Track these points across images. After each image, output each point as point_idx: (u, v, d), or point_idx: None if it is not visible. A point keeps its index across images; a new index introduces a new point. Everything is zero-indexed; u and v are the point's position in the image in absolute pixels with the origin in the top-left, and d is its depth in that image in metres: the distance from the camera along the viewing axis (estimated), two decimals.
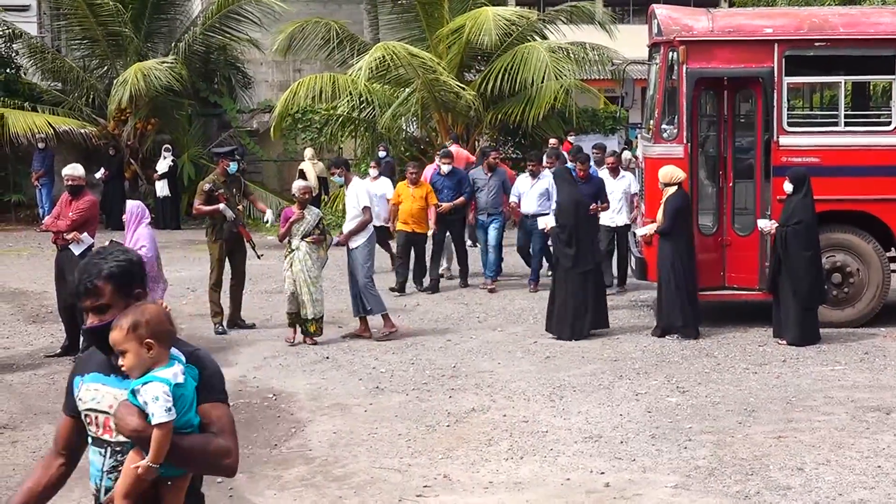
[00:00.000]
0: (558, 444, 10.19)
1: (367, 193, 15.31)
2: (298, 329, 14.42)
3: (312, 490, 9.14)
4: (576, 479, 9.32)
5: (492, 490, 9.08)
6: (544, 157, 18.81)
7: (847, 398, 11.66)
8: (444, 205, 18.27)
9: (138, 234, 13.62)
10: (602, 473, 9.40)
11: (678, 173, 14.39)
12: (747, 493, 8.91)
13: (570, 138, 27.25)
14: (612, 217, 17.49)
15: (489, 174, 18.77)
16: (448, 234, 18.74)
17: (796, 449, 9.96)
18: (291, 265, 14.16)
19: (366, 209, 14.86)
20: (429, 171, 19.14)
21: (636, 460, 9.75)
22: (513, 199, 18.39)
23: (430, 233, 18.04)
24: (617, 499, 8.83)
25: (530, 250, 18.41)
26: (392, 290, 17.69)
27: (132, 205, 13.96)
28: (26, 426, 11.11)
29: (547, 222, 15.35)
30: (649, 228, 14.49)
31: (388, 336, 14.59)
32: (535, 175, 18.30)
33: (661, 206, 14.25)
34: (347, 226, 15.00)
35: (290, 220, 14.20)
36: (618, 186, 17.72)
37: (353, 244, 14.78)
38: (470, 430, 10.66)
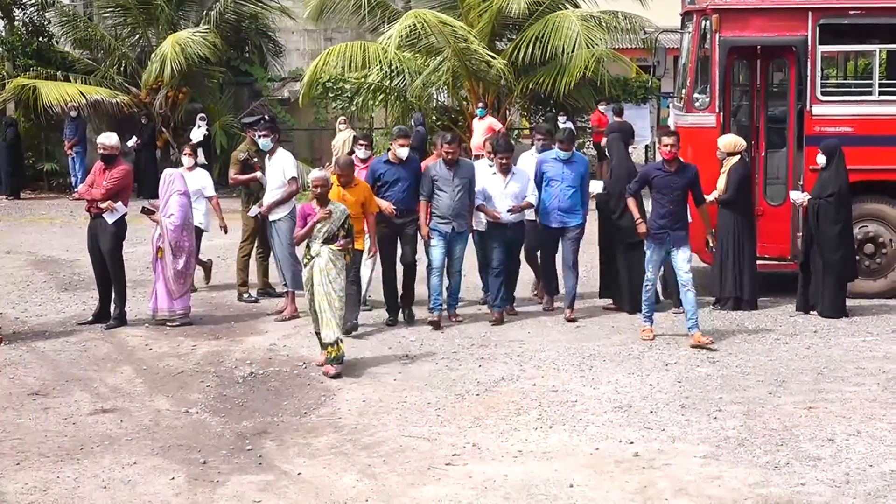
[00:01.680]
0: (587, 414, 10.18)
1: (293, 164, 14.62)
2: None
3: (342, 458, 9.16)
4: (605, 448, 9.30)
5: (521, 459, 9.08)
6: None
7: (878, 369, 11.60)
8: (421, 214, 13.81)
9: (170, 203, 13.67)
10: (631, 443, 9.38)
11: (741, 142, 14.30)
12: (777, 464, 8.88)
13: (601, 108, 27.13)
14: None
15: (451, 169, 13.73)
16: (400, 250, 14.13)
17: (827, 420, 9.91)
18: (312, 275, 11.84)
19: (293, 180, 14.41)
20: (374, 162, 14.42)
21: (665, 430, 9.73)
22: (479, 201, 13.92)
23: (365, 256, 13.55)
24: (646, 468, 8.81)
25: (538, 259, 14.79)
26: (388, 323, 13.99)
27: (167, 172, 14.02)
28: (58, 393, 11.17)
29: (595, 188, 14.70)
30: (712, 196, 14.17)
31: (286, 318, 14.12)
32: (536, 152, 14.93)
33: (724, 176, 14.10)
34: (270, 196, 14.40)
35: (314, 219, 11.88)
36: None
37: (274, 216, 14.35)
38: (499, 399, 10.66)
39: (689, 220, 13.16)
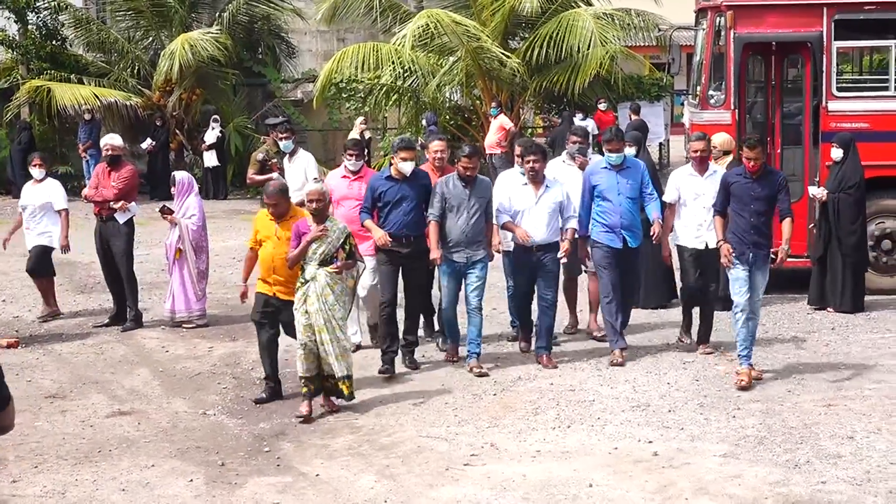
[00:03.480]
0: (605, 413, 10.14)
1: (315, 166, 14.19)
2: (316, 397, 10.53)
3: (359, 459, 9.14)
4: (623, 447, 9.27)
5: (539, 459, 9.05)
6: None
7: None
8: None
9: (188, 204, 13.72)
10: (650, 442, 9.34)
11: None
12: (797, 462, 8.84)
13: (601, 106, 27.05)
14: None
15: (466, 186, 11.56)
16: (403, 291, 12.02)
17: (846, 417, 9.87)
18: (305, 301, 10.26)
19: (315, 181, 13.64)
20: (334, 177, 12.58)
21: (684, 429, 9.69)
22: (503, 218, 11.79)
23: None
24: (665, 468, 8.78)
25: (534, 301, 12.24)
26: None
27: (181, 175, 14.05)
28: (75, 395, 11.19)
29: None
30: None
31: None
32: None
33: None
34: (294, 197, 13.08)
35: (308, 238, 10.30)
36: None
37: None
38: (516, 399, 10.63)
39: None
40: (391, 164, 11.91)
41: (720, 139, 13.86)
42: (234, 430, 9.83)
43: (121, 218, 13.66)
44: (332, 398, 10.49)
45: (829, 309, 13.71)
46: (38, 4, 29.03)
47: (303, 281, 10.30)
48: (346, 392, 10.32)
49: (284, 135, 14.66)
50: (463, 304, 11.83)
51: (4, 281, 17.17)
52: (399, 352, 11.78)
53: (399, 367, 11.67)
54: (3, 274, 17.65)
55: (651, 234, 11.94)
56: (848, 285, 13.73)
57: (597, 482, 8.53)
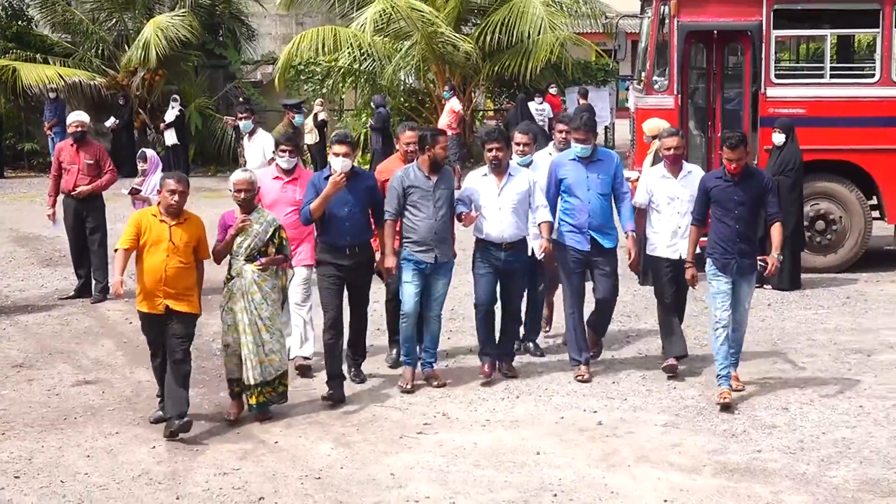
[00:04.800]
0: (552, 384, 10.19)
1: (273, 145, 12.73)
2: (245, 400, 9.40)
3: (317, 427, 9.15)
4: (569, 417, 9.33)
5: (489, 428, 9.09)
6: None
7: (830, 340, 11.68)
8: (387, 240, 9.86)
9: (155, 181, 13.63)
10: (594, 412, 9.41)
11: (665, 125, 14.25)
12: (734, 432, 8.93)
13: (551, 90, 27.07)
14: None
15: (430, 177, 9.86)
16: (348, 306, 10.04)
17: (781, 389, 9.98)
18: (230, 299, 9.23)
19: (272, 160, 12.09)
20: (265, 177, 10.55)
21: (627, 400, 9.77)
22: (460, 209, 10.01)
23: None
24: (609, 436, 8.84)
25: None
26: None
27: (152, 153, 13.97)
28: (41, 365, 11.12)
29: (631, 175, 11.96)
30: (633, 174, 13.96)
31: None
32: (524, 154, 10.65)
33: (650, 157, 13.99)
34: None
35: (232, 230, 9.21)
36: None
37: None
38: (467, 371, 10.65)
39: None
40: (328, 163, 9.87)
41: (649, 125, 13.80)
42: (195, 400, 9.75)
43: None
44: (259, 414, 9.30)
45: (766, 286, 13.82)
46: None
47: (228, 277, 9.32)
48: (256, 400, 9.17)
49: (244, 115, 14.67)
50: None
51: None
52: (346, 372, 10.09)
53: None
54: None
55: (627, 251, 10.14)
56: (786, 264, 13.82)
57: (544, 450, 8.59)
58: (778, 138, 13.82)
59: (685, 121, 15.17)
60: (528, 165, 10.46)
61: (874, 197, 15.24)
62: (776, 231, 9.58)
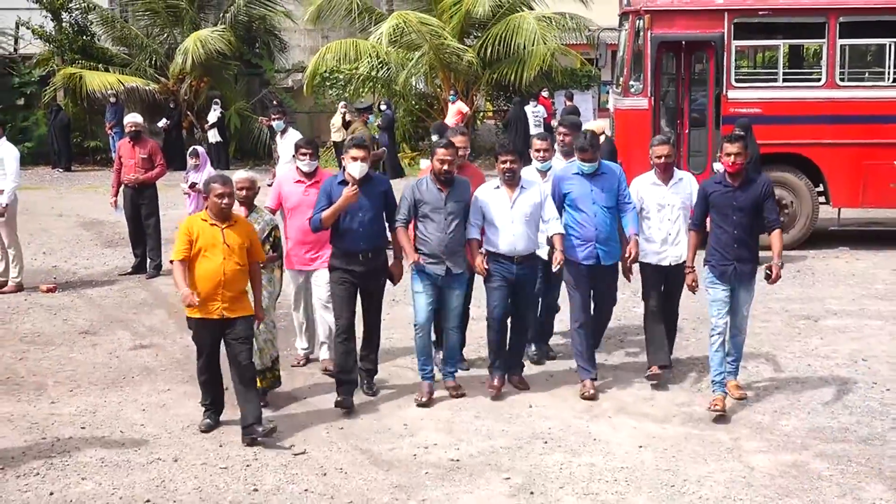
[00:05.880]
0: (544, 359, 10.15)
1: None
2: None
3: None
4: (557, 376, 9.33)
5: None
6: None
7: (782, 308, 11.67)
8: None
9: (207, 172, 13.60)
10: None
11: (605, 126, 14.14)
12: (700, 388, 8.97)
13: (543, 93, 26.93)
14: None
15: (442, 189, 8.52)
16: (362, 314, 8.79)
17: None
18: None
19: None
20: (287, 181, 9.39)
21: (607, 361, 9.77)
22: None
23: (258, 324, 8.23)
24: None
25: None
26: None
27: (202, 150, 13.90)
28: (104, 332, 11.12)
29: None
30: None
31: None
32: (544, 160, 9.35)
33: None
34: (282, 168, 13.13)
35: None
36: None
37: None
38: (468, 336, 10.58)
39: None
40: (343, 167, 8.70)
41: (593, 125, 13.63)
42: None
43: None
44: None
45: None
46: (70, 5, 28.71)
47: None
48: (261, 385, 8.43)
49: (277, 116, 14.70)
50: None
51: (45, 236, 17.01)
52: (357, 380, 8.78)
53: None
54: (44, 230, 17.50)
55: (626, 254, 8.85)
56: None
57: (535, 404, 8.60)
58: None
59: (657, 119, 15.14)
60: (547, 171, 9.24)
61: (820, 185, 15.21)
62: (775, 238, 8.37)
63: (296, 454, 7.57)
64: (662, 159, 8.87)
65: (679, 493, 6.87)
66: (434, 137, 10.07)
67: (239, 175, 8.62)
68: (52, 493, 6.95)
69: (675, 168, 9.07)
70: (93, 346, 10.59)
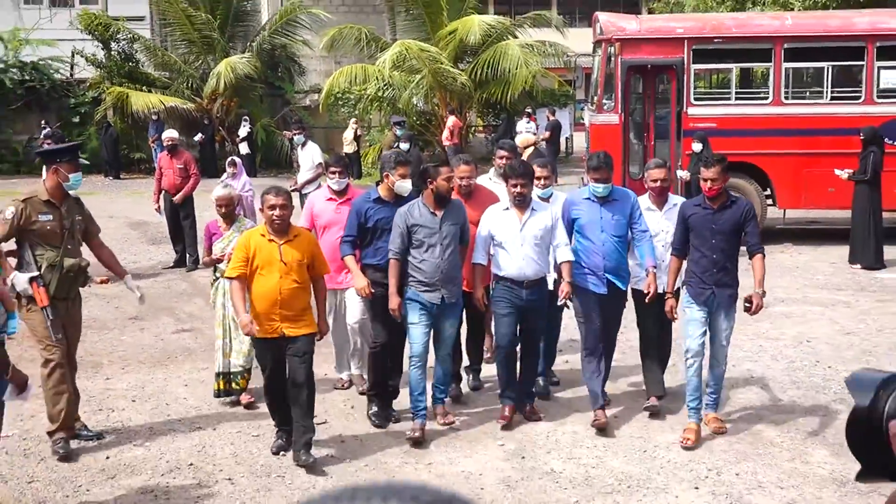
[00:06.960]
0: None
1: (320, 154, 13.73)
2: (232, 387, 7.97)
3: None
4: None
5: (485, 368, 9.00)
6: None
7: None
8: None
9: (245, 180, 13.55)
10: (566, 362, 9.31)
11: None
12: (668, 368, 8.85)
13: (528, 110, 26.87)
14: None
15: (436, 213, 7.12)
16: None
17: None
18: (215, 296, 8.09)
19: (319, 165, 13.41)
20: (319, 199, 8.28)
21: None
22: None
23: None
24: (575, 369, 8.77)
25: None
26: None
27: (238, 160, 13.88)
28: (150, 319, 11.08)
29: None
30: None
31: None
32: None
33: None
34: (303, 176, 13.55)
35: (214, 238, 7.95)
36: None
37: (306, 190, 13.22)
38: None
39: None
40: (379, 183, 7.55)
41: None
42: None
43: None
44: (239, 396, 8.00)
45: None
46: (118, 36, 28.77)
47: (215, 278, 8.10)
48: (242, 386, 7.88)
49: (297, 131, 14.70)
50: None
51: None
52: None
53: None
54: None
55: (645, 289, 7.36)
56: None
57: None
58: (696, 146, 13.75)
59: (627, 133, 15.13)
60: (548, 198, 7.75)
61: (768, 189, 15.19)
62: (757, 263, 7.02)
63: (318, 423, 7.54)
64: (658, 183, 7.68)
65: (650, 458, 6.84)
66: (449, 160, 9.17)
67: (217, 192, 7.93)
68: (108, 458, 6.92)
69: (669, 193, 7.86)
70: (141, 330, 10.56)
